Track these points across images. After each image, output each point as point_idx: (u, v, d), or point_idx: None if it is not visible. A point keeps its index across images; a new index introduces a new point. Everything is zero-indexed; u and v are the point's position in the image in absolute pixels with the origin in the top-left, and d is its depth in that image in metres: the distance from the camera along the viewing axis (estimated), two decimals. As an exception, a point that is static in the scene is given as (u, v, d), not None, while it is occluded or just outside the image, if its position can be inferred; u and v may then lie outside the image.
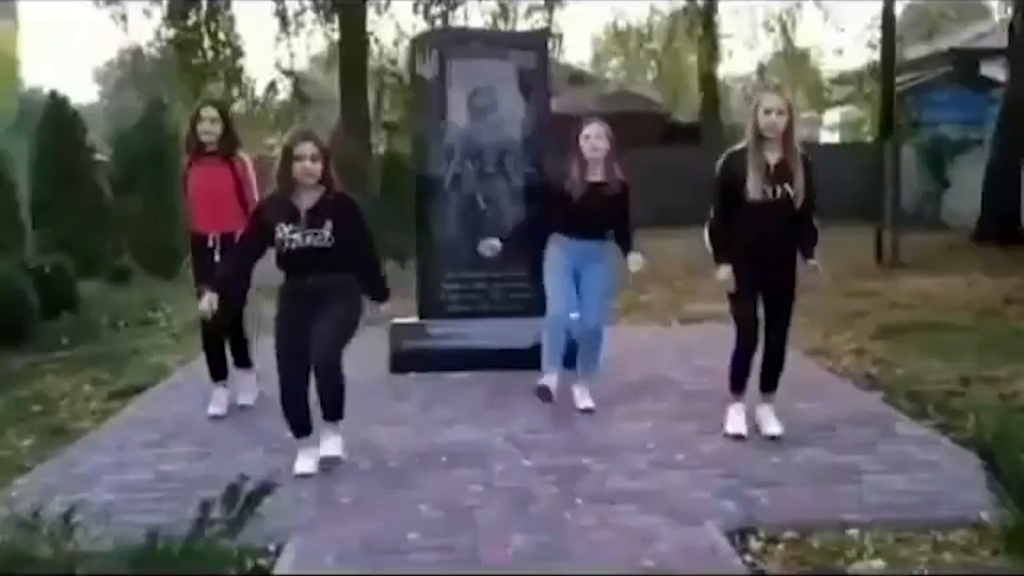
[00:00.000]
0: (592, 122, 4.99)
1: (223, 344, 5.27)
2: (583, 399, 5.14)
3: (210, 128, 5.10)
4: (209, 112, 5.14)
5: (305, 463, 4.13)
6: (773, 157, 4.36)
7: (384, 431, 4.32)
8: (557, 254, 5.05)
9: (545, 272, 5.10)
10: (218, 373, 5.29)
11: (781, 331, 4.55)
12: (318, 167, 4.08)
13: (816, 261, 4.48)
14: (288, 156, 4.07)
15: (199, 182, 5.16)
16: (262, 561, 3.24)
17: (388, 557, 3.29)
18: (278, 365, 4.13)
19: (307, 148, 4.07)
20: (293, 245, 4.08)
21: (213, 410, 5.18)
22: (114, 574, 2.28)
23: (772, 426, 4.53)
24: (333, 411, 4.19)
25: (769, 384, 4.65)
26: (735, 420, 4.58)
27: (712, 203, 4.58)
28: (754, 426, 4.56)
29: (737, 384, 4.64)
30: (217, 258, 5.03)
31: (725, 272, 4.48)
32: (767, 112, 4.32)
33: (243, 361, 5.37)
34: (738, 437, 4.47)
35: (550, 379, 4.91)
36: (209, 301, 4.14)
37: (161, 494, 3.95)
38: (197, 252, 5.24)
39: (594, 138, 4.90)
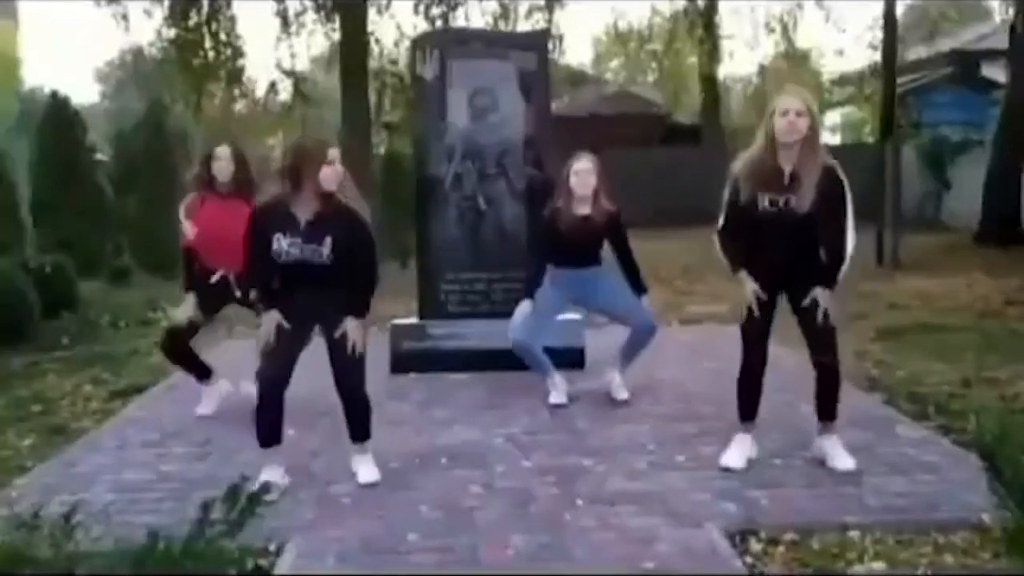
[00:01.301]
0: (581, 157, 5.10)
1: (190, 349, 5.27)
2: (619, 391, 5.29)
3: (225, 167, 5.00)
4: (224, 151, 5.05)
5: (273, 473, 3.91)
6: (788, 166, 3.82)
7: (384, 432, 4.31)
8: (547, 289, 5.20)
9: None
10: (204, 373, 5.31)
11: (825, 350, 4.01)
12: (342, 170, 4.00)
13: (822, 293, 3.95)
14: (316, 160, 3.89)
15: (211, 217, 5.00)
16: (262, 561, 3.24)
17: (388, 557, 3.29)
18: (260, 377, 3.97)
19: (337, 152, 3.97)
20: (290, 258, 3.90)
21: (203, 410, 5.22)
22: (114, 574, 2.28)
23: (841, 459, 4.02)
24: (363, 433, 4.14)
25: (823, 411, 4.09)
26: (731, 452, 4.10)
27: (721, 211, 4.07)
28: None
29: (744, 411, 4.13)
30: (237, 293, 4.95)
31: (744, 277, 3.99)
32: (784, 114, 3.75)
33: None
34: (726, 470, 4.02)
35: (558, 396, 5.22)
36: (273, 320, 3.95)
37: (161, 494, 3.95)
38: (205, 288, 5.13)
39: (584, 174, 5.04)
